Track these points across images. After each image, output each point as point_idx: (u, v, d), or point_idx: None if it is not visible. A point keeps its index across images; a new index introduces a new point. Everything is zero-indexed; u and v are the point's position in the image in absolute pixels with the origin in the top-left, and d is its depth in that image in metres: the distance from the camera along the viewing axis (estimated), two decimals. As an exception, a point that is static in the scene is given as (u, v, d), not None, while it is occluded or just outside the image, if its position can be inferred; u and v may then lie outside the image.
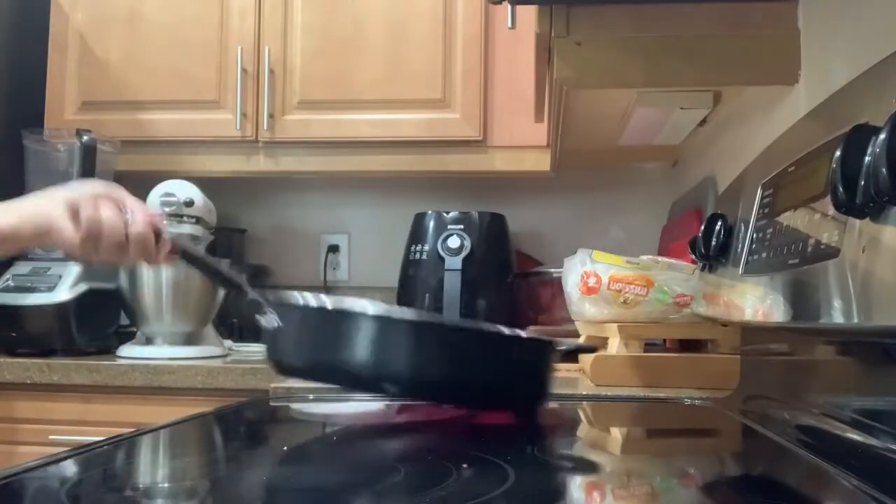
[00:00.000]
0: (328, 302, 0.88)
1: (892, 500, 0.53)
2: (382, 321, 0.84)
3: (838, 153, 0.57)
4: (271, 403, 1.10)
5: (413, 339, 0.85)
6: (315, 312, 0.88)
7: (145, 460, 0.76)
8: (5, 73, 1.89)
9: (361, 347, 0.83)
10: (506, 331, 0.92)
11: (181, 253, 0.98)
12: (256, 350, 1.78)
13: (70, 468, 0.66)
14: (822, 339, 0.76)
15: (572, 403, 1.09)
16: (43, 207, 0.91)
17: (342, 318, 0.85)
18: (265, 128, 1.86)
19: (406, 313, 0.88)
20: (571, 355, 1.40)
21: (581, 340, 1.34)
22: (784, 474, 0.69)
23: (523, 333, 0.92)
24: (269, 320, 0.89)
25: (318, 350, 0.86)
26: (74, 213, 0.90)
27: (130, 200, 0.94)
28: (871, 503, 0.54)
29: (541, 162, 1.83)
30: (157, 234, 0.94)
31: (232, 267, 1.76)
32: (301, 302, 0.90)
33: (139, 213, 0.93)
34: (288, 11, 1.88)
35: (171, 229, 1.68)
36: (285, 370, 0.93)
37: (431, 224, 1.86)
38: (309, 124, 1.87)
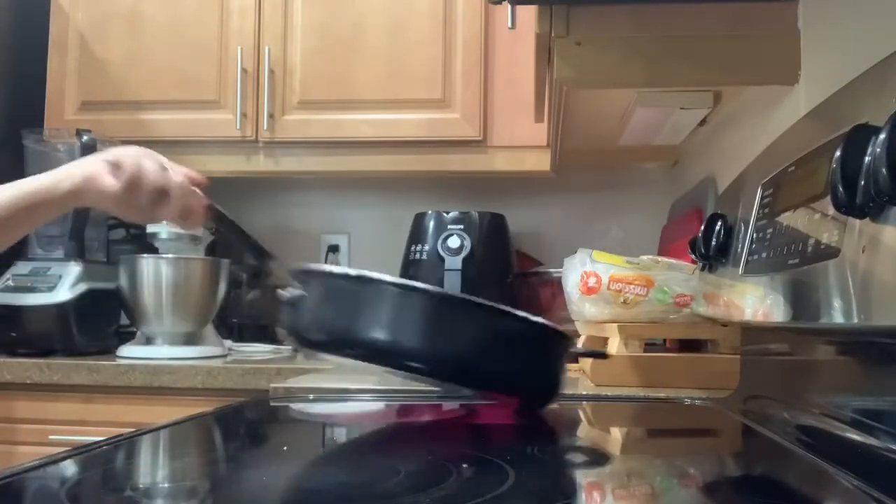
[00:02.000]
0: (351, 270, 0.87)
1: (892, 500, 0.52)
2: (402, 289, 0.84)
3: (838, 153, 0.57)
4: (271, 403, 1.10)
5: (431, 311, 0.84)
6: (339, 280, 0.87)
7: (145, 460, 0.76)
8: (5, 73, 1.89)
9: (380, 317, 0.82)
10: (530, 316, 0.90)
11: (216, 215, 1.01)
12: (256, 350, 1.78)
13: (70, 468, 0.66)
14: (822, 339, 0.76)
15: (572, 403, 1.09)
16: (80, 165, 0.94)
17: (363, 286, 0.84)
18: (265, 128, 1.86)
19: (427, 285, 0.87)
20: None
21: (580, 341, 1.35)
22: (784, 474, 0.69)
23: (547, 322, 0.90)
24: (292, 291, 0.88)
25: (341, 319, 0.85)
26: (115, 166, 0.91)
27: (168, 162, 0.97)
28: (871, 503, 0.54)
29: (541, 162, 1.83)
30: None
31: (231, 266, 1.77)
32: (331, 269, 0.90)
33: (179, 169, 0.96)
34: (288, 11, 1.88)
35: (172, 229, 1.69)
36: (307, 344, 0.92)
37: (431, 224, 1.86)
38: (309, 124, 1.87)
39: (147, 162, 0.93)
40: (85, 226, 1.72)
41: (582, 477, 0.69)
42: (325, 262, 2.17)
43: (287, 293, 0.88)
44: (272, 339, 1.85)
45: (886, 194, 0.51)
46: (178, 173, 0.96)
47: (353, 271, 0.87)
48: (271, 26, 1.88)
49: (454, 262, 1.79)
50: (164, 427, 0.84)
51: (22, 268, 1.67)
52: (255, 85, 1.87)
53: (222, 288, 1.73)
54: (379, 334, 0.83)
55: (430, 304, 0.84)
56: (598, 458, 0.80)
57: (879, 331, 0.58)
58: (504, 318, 0.86)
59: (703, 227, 0.99)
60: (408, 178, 2.03)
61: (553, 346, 0.91)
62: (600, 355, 1.13)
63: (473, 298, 0.85)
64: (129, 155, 0.94)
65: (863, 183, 0.54)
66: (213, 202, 1.01)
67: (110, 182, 0.91)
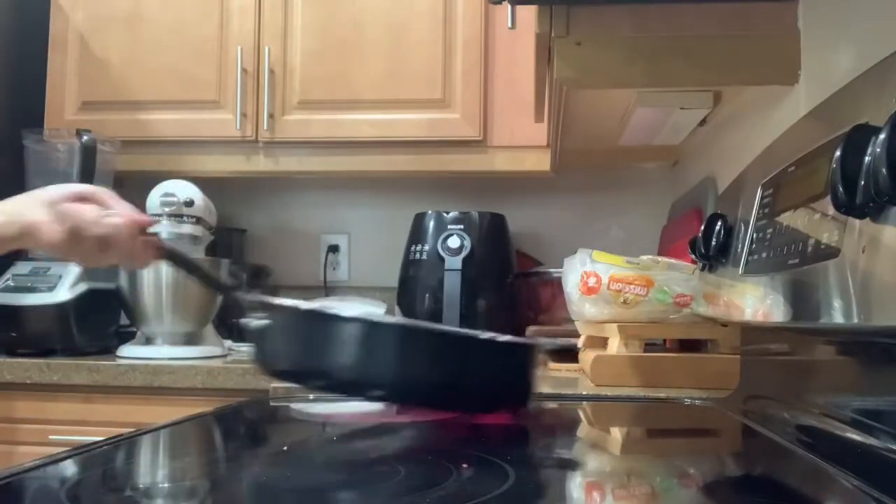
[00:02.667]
0: (311, 305, 0.88)
1: (892, 500, 0.53)
2: (362, 325, 0.83)
3: (838, 153, 0.57)
4: (271, 403, 1.10)
5: (391, 343, 0.83)
6: (298, 315, 0.87)
7: (145, 460, 0.76)
8: (5, 73, 1.89)
9: (342, 350, 0.82)
10: (483, 335, 0.89)
11: (166, 255, 0.97)
12: (256, 350, 1.78)
13: (70, 468, 0.66)
14: (822, 339, 0.76)
15: (572, 403, 1.09)
16: (25, 206, 0.90)
17: (323, 321, 0.83)
18: (265, 128, 1.86)
19: (385, 317, 0.88)
20: (569, 355, 1.40)
21: (580, 341, 1.35)
22: (784, 474, 0.69)
23: (502, 337, 0.90)
24: (256, 321, 0.88)
25: (301, 353, 0.85)
26: (57, 214, 0.89)
27: (114, 200, 0.93)
28: (871, 503, 0.54)
29: (541, 162, 1.83)
30: (143, 233, 0.93)
31: (231, 266, 1.77)
32: (285, 304, 0.89)
33: (120, 213, 0.92)
34: (288, 11, 1.88)
35: (172, 229, 1.69)
36: (271, 373, 0.92)
37: (431, 224, 1.86)
38: (309, 124, 1.87)
39: (87, 210, 0.90)
40: (85, 226, 1.72)
41: (582, 477, 0.69)
42: (325, 262, 2.17)
43: (252, 323, 0.88)
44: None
45: (886, 194, 0.51)
46: (119, 217, 0.91)
47: (305, 306, 0.88)
48: (271, 26, 1.88)
49: (454, 262, 1.79)
50: (164, 427, 0.84)
51: (22, 268, 1.67)
52: (255, 85, 1.87)
53: (222, 288, 1.73)
54: (341, 368, 0.82)
55: (391, 338, 0.84)
56: (598, 458, 0.80)
57: (879, 331, 0.58)
58: (468, 343, 0.86)
59: (703, 227, 0.99)
60: (408, 178, 2.03)
61: (523, 358, 0.91)
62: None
63: (435, 327, 0.84)
64: (70, 199, 0.90)
65: (863, 183, 0.54)
66: (162, 242, 0.98)
67: (50, 235, 0.88)
